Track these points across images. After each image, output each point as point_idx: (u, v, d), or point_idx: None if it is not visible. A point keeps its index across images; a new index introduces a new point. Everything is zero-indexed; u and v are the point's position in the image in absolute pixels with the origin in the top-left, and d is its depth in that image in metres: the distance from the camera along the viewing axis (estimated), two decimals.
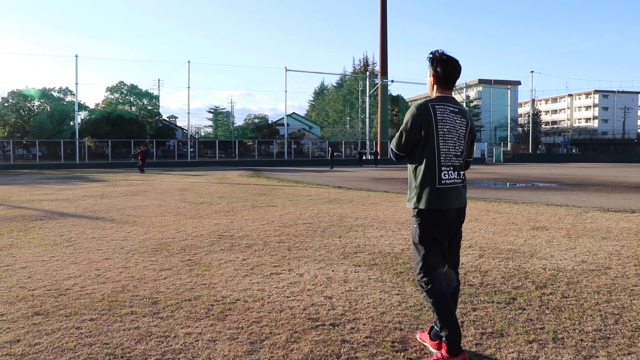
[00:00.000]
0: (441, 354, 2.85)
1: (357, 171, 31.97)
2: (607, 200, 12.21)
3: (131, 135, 51.14)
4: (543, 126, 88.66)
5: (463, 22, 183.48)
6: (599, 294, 4.24)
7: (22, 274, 4.99)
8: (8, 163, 42.37)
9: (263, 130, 65.99)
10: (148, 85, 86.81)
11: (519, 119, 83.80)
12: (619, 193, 14.63)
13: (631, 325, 3.50)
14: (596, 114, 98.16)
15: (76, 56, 43.31)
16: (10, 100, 54.80)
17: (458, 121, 2.92)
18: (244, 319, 3.64)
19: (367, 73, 63.57)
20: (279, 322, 3.58)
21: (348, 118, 70.42)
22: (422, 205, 2.87)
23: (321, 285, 4.56)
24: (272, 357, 2.99)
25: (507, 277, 4.81)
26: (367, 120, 55.27)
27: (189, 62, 46.82)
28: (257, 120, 68.95)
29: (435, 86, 2.98)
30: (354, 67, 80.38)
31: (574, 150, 69.37)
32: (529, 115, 69.62)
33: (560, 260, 5.54)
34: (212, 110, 71.89)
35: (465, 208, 3.02)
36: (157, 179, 22.61)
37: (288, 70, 49.20)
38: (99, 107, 59.87)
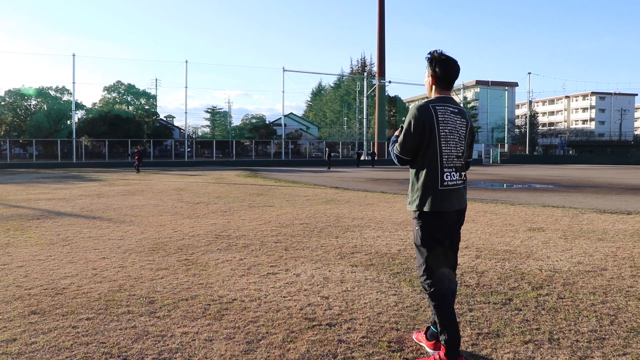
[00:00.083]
0: (439, 356, 2.85)
1: (354, 172, 31.98)
2: (604, 202, 12.26)
3: (128, 135, 51.03)
4: (540, 128, 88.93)
5: (461, 23, 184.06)
6: (595, 295, 4.26)
7: (18, 273, 4.97)
8: (5, 162, 42.17)
9: (260, 130, 65.97)
10: (145, 85, 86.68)
11: (516, 120, 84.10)
12: (615, 195, 14.68)
13: (626, 326, 3.52)
14: (593, 115, 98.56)
15: (73, 55, 43.20)
16: (7, 99, 54.63)
17: (458, 122, 2.91)
18: (240, 318, 3.64)
19: (365, 74, 63.51)
20: (276, 321, 3.58)
21: (345, 119, 70.43)
22: (424, 208, 2.84)
23: (318, 285, 4.56)
24: (268, 356, 3.00)
25: (503, 277, 4.83)
26: (365, 120, 55.28)
27: (186, 61, 46.86)
28: (254, 121, 68.89)
29: (433, 87, 2.96)
30: (352, 67, 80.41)
31: (570, 152, 69.54)
32: (526, 117, 69.85)
33: (557, 261, 5.56)
34: (209, 110, 71.74)
35: (466, 210, 3.01)
36: (154, 179, 22.57)
37: (286, 70, 49.16)
38: (96, 107, 59.70)
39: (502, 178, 24.41)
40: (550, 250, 6.14)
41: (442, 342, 2.84)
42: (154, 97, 63.36)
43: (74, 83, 44.36)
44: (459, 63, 2.93)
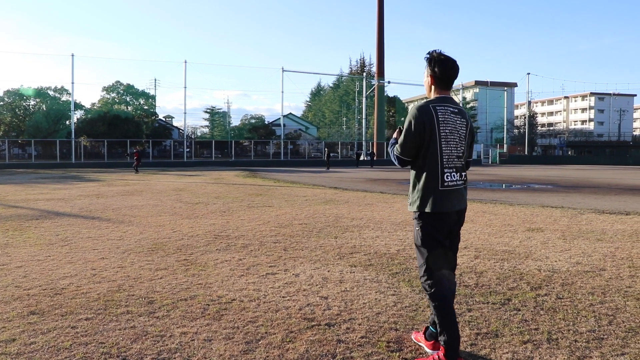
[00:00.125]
0: (438, 356, 2.85)
1: (353, 172, 31.98)
2: (602, 202, 12.28)
3: (127, 135, 50.99)
4: (539, 128, 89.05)
5: (460, 23, 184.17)
6: (593, 295, 4.27)
7: (17, 273, 4.97)
8: (3, 162, 42.12)
9: (259, 130, 65.95)
10: (144, 85, 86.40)
11: (515, 120, 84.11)
12: (614, 195, 14.70)
13: (625, 326, 3.53)
14: (592, 116, 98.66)
15: (72, 55, 43.18)
16: (6, 99, 54.58)
17: (458, 122, 2.90)
18: (239, 318, 3.65)
19: (364, 74, 63.50)
20: (275, 321, 3.58)
21: (344, 119, 70.39)
22: (425, 209, 2.83)
23: (317, 285, 4.57)
24: (267, 356, 3.00)
25: (502, 278, 4.84)
26: (364, 121, 55.31)
27: (185, 62, 46.89)
28: (253, 121, 68.88)
29: (433, 87, 2.95)
30: (351, 68, 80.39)
31: (569, 153, 69.59)
32: (525, 117, 69.92)
33: (555, 261, 5.57)
34: (208, 111, 71.73)
35: (465, 211, 3.01)
36: (153, 179, 22.56)
37: (285, 70, 49.16)
38: (95, 107, 59.67)
39: (501, 178, 24.43)
40: (549, 251, 6.15)
41: (442, 343, 2.83)
42: (153, 97, 63.37)
43: (72, 83, 44.37)
44: (458, 63, 2.93)
